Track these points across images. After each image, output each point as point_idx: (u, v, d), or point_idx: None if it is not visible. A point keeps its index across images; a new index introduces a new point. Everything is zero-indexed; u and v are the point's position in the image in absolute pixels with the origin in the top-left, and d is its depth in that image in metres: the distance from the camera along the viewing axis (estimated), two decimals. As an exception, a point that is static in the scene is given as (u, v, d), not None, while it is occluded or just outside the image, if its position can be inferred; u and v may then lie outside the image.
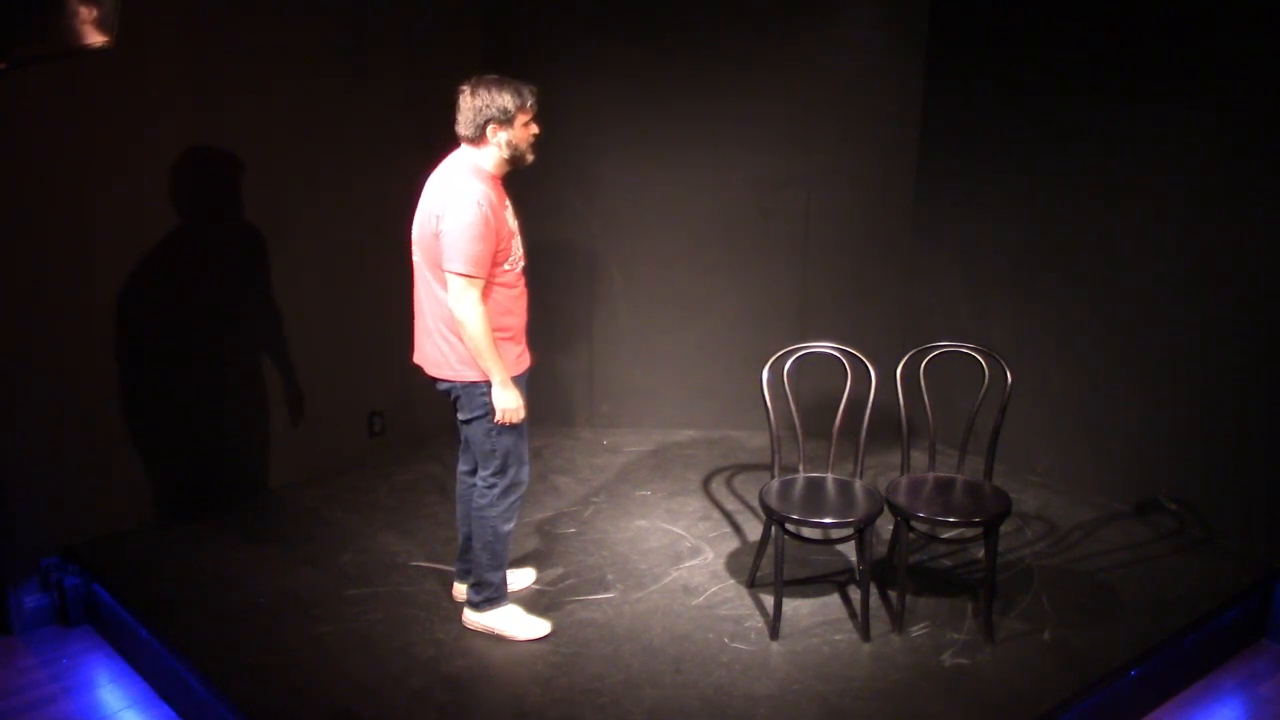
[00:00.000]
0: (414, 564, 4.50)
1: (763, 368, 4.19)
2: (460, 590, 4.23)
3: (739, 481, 5.30)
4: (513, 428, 3.82)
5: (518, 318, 3.86)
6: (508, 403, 3.75)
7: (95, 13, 3.64)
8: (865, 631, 4.03)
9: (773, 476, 4.22)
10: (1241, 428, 4.60)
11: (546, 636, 4.00)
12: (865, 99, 5.44)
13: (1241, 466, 4.62)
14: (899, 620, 4.08)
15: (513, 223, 3.80)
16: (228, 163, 4.71)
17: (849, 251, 5.64)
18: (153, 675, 4.20)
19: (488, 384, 3.74)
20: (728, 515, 4.98)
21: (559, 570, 4.47)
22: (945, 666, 3.87)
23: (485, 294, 3.68)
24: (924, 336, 4.53)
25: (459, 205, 3.60)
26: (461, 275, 3.61)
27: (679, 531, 4.82)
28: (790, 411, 4.23)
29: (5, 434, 4.35)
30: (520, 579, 4.34)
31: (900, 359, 4.30)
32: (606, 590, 4.35)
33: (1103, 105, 4.79)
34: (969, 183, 5.34)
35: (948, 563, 4.56)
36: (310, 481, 5.19)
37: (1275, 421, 4.50)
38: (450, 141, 3.81)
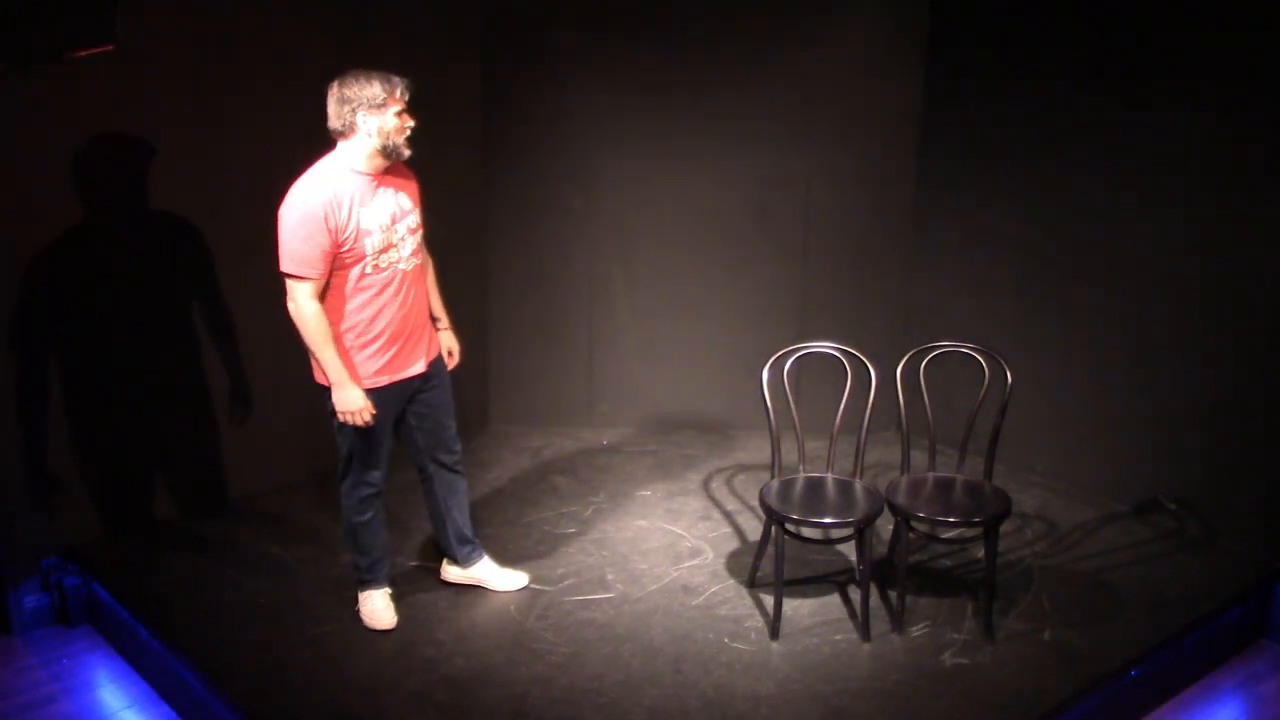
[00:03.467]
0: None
1: (763, 368, 4.19)
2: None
3: (739, 481, 5.30)
4: (360, 428, 3.81)
5: (389, 322, 3.80)
6: (347, 404, 3.75)
7: (96, 14, 3.65)
8: (865, 631, 4.03)
9: (773, 476, 4.22)
10: (1242, 428, 4.60)
11: (389, 631, 4.05)
12: (865, 99, 5.44)
13: (1241, 466, 4.62)
14: (899, 620, 4.08)
15: (372, 222, 3.70)
16: (226, 163, 4.70)
17: (849, 251, 5.63)
18: (153, 675, 4.20)
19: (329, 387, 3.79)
20: (728, 515, 4.98)
21: (559, 570, 4.47)
22: (945, 666, 3.87)
23: (330, 294, 3.70)
24: (924, 336, 4.53)
25: (286, 206, 3.64)
26: (288, 275, 3.64)
27: (679, 531, 4.82)
28: (790, 411, 4.23)
29: (5, 434, 4.35)
30: (510, 580, 4.35)
31: (900, 359, 4.30)
32: (606, 590, 4.35)
33: (1103, 104, 4.79)
34: (969, 182, 5.34)
35: (948, 563, 4.56)
36: (310, 481, 5.19)
37: (1275, 421, 4.50)
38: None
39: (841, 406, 4.20)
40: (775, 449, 4.22)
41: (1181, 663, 4.18)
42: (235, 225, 4.79)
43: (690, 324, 5.72)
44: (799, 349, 4.25)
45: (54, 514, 4.54)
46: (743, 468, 5.44)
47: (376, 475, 3.98)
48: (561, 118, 5.47)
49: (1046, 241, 5.10)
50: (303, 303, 3.66)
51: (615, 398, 5.87)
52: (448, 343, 4.16)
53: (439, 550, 4.42)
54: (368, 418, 3.78)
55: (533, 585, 4.37)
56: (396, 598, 4.24)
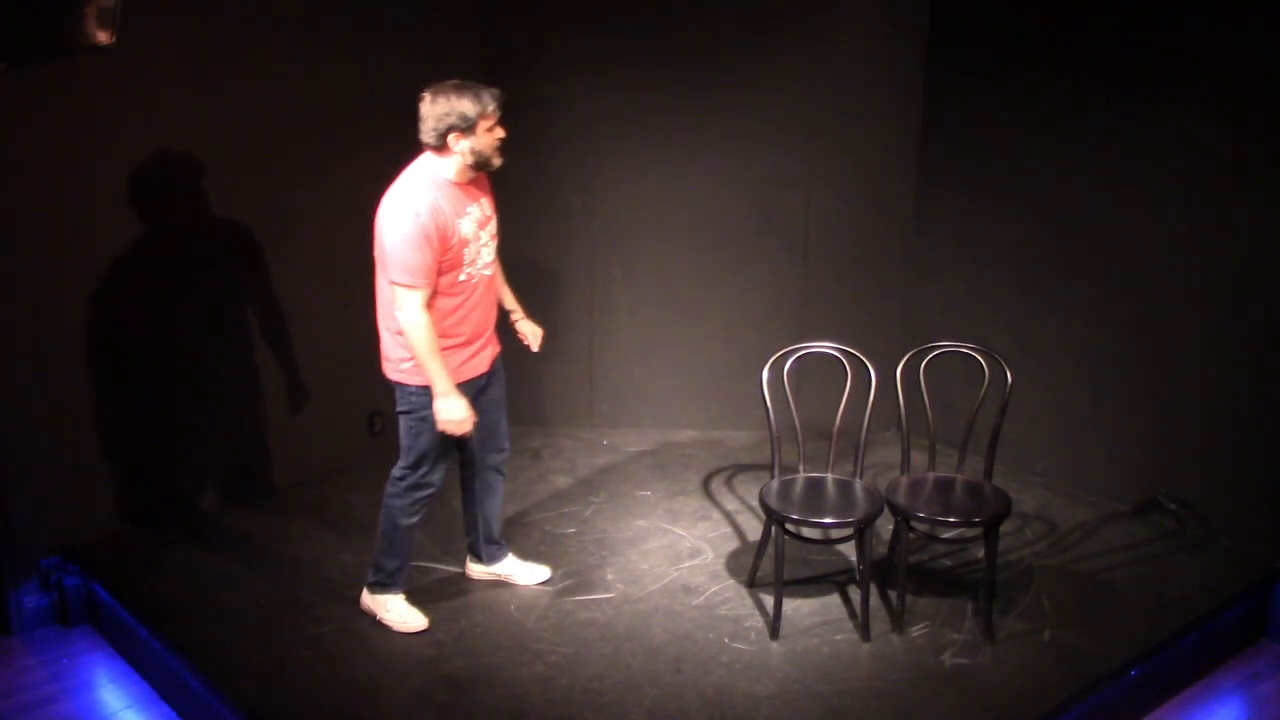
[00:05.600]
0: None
1: (763, 368, 4.20)
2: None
3: (739, 481, 5.30)
4: (439, 432, 3.83)
5: (467, 325, 3.86)
6: (449, 414, 3.76)
7: (96, 11, 3.65)
8: (865, 631, 4.03)
9: (773, 476, 4.22)
10: (1242, 428, 4.60)
11: (422, 632, 4.05)
12: (865, 99, 5.44)
13: (1242, 466, 4.62)
14: (899, 620, 4.08)
15: (469, 230, 3.77)
16: (227, 162, 4.70)
17: (849, 251, 5.63)
18: (153, 675, 4.20)
19: (419, 387, 3.81)
20: (728, 515, 4.98)
21: (559, 570, 4.47)
22: (945, 666, 3.87)
23: (430, 302, 3.72)
24: (924, 336, 4.53)
25: (397, 216, 3.66)
26: (401, 285, 3.67)
27: (679, 531, 4.82)
28: (790, 411, 4.23)
29: (5, 434, 4.35)
30: (534, 574, 4.39)
31: (900, 359, 4.30)
32: (606, 590, 4.35)
33: (1104, 103, 4.79)
34: (969, 182, 5.34)
35: (948, 563, 4.56)
36: (310, 481, 5.19)
37: (1276, 422, 4.49)
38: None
39: (841, 406, 4.20)
40: (775, 449, 4.21)
41: (1181, 663, 4.18)
42: (236, 224, 4.80)
43: (691, 324, 5.72)
44: (799, 349, 4.25)
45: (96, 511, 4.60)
46: (743, 468, 5.44)
47: (438, 478, 3.99)
48: (561, 117, 5.46)
49: (1046, 241, 5.10)
50: (415, 312, 3.69)
51: (615, 398, 5.87)
52: (530, 329, 4.25)
53: (458, 549, 4.43)
54: (469, 427, 3.80)
55: (534, 585, 4.37)
56: (396, 598, 4.26)
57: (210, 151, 4.64)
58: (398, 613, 4.09)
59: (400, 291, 3.68)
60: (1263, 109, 4.35)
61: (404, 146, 5.07)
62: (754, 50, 5.34)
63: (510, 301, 4.25)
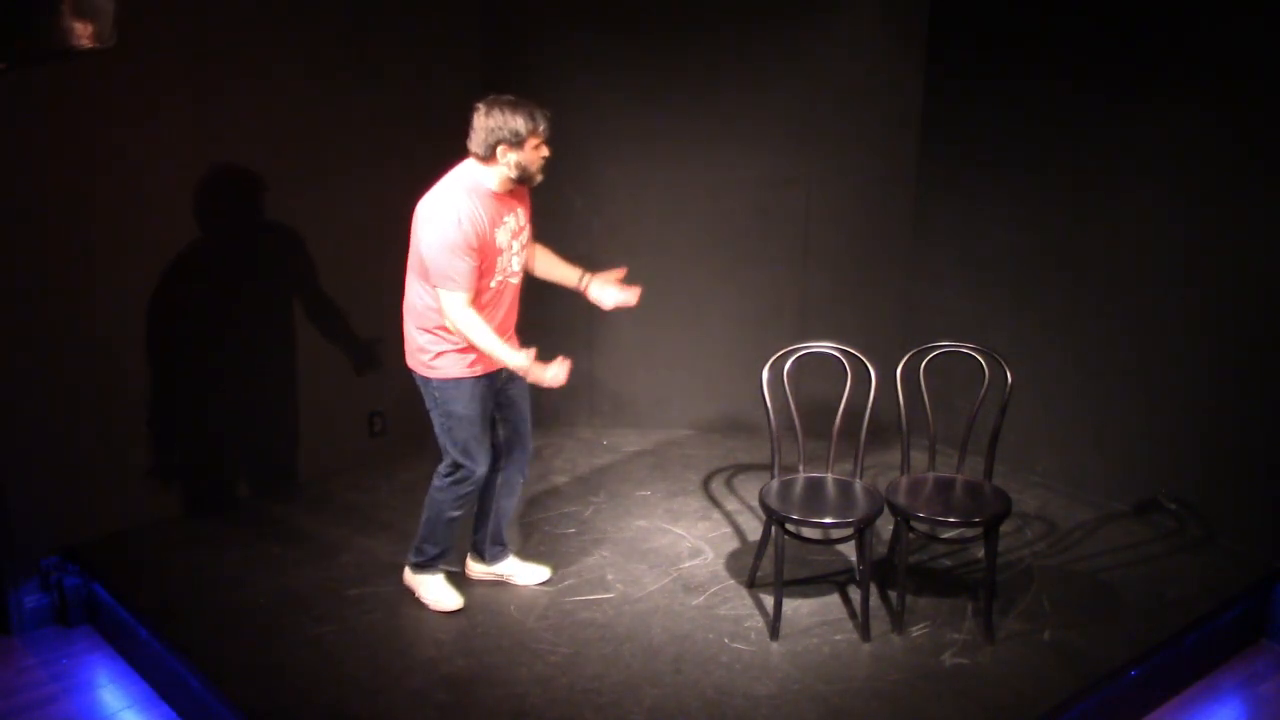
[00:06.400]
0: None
1: (763, 368, 4.20)
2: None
3: (739, 481, 5.30)
4: (468, 425, 3.95)
5: (493, 326, 3.91)
6: (539, 374, 3.81)
7: (95, 11, 3.64)
8: (865, 631, 4.03)
9: (773, 476, 4.22)
10: (1242, 428, 4.60)
11: (456, 612, 4.17)
12: (865, 99, 5.44)
13: (1241, 466, 4.62)
14: (899, 620, 4.08)
15: (504, 240, 3.88)
16: (229, 163, 4.70)
17: (849, 251, 5.63)
18: (153, 675, 4.20)
19: (440, 381, 3.92)
20: (728, 515, 4.98)
21: (559, 570, 4.47)
22: (945, 666, 3.87)
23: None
24: (924, 336, 4.53)
25: (440, 223, 3.74)
26: (445, 290, 3.78)
27: (679, 531, 4.82)
28: (790, 411, 4.23)
29: (5, 434, 4.35)
30: (533, 575, 4.40)
31: (900, 359, 4.30)
32: (606, 590, 4.35)
33: (1104, 104, 4.79)
34: (969, 182, 5.34)
35: (948, 563, 4.56)
36: (311, 481, 5.19)
37: (1275, 421, 4.50)
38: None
39: (841, 406, 4.20)
40: (775, 449, 4.22)
41: (1181, 663, 4.18)
42: (238, 224, 4.81)
43: (690, 324, 5.72)
44: (799, 349, 4.25)
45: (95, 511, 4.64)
46: (742, 468, 5.44)
47: (480, 472, 4.07)
48: (561, 118, 5.44)
49: (1046, 241, 5.10)
50: (463, 312, 3.79)
51: (615, 398, 5.87)
52: (598, 290, 4.24)
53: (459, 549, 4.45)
54: (563, 373, 3.82)
55: (534, 585, 4.37)
56: (397, 598, 4.25)
57: (211, 153, 4.65)
58: (433, 592, 4.21)
59: (444, 294, 3.78)
60: (1263, 109, 4.35)
61: (404, 146, 5.10)
62: (754, 50, 5.34)
63: (571, 272, 4.25)
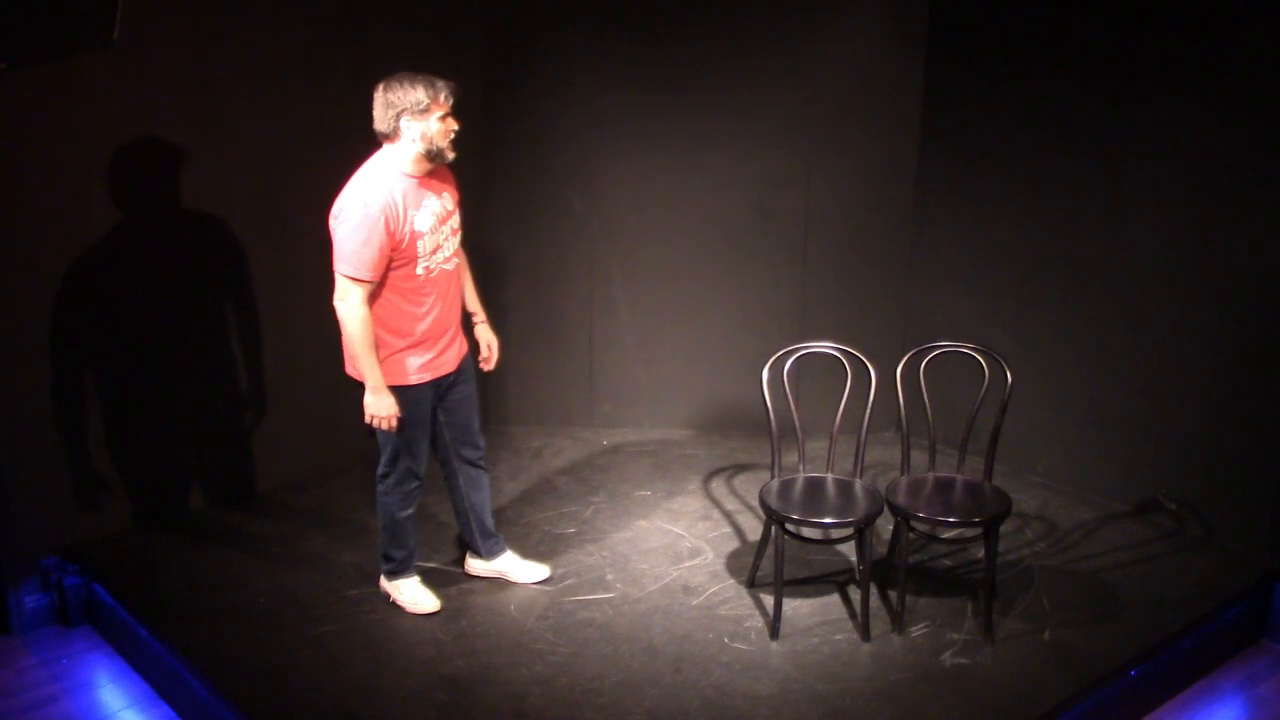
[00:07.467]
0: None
1: (763, 368, 4.20)
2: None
3: (739, 481, 5.30)
4: (404, 426, 3.90)
5: (429, 323, 3.88)
6: (377, 410, 3.83)
7: (95, 15, 3.64)
8: (865, 631, 4.03)
9: (773, 476, 4.22)
10: (1242, 428, 4.59)
11: (433, 614, 4.15)
12: (865, 99, 5.44)
13: (1241, 466, 4.62)
14: (899, 620, 4.08)
15: (424, 224, 3.77)
16: (228, 163, 4.70)
17: (849, 251, 5.63)
18: (153, 675, 4.20)
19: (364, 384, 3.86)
20: (728, 515, 4.98)
21: (559, 570, 4.47)
22: (945, 666, 3.87)
23: (380, 296, 3.75)
24: (924, 336, 4.53)
25: (348, 207, 3.68)
26: (345, 276, 3.69)
27: (679, 531, 4.82)
28: (790, 411, 4.23)
29: (5, 434, 4.35)
30: (532, 572, 4.40)
31: (900, 359, 4.30)
32: (606, 590, 4.35)
33: (1104, 103, 4.79)
34: (969, 182, 5.34)
35: (948, 563, 4.56)
36: (310, 481, 5.19)
37: (1276, 422, 4.50)
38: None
39: (841, 406, 4.20)
40: (775, 449, 4.22)
41: (1181, 663, 4.18)
42: (237, 224, 4.80)
43: (690, 324, 5.72)
44: (799, 349, 4.25)
45: (95, 512, 4.63)
46: (743, 468, 5.44)
47: (420, 470, 4.06)
48: (561, 118, 5.47)
49: (1046, 241, 5.10)
50: (355, 306, 3.71)
51: (615, 398, 5.87)
52: (486, 337, 4.24)
53: (460, 545, 4.47)
54: (394, 423, 3.85)
55: (533, 584, 4.37)
56: (396, 598, 4.26)
57: (209, 152, 4.64)
58: (410, 595, 4.19)
59: (343, 282, 3.70)
60: (1263, 109, 4.35)
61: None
62: (754, 50, 5.34)
63: (473, 303, 4.23)
